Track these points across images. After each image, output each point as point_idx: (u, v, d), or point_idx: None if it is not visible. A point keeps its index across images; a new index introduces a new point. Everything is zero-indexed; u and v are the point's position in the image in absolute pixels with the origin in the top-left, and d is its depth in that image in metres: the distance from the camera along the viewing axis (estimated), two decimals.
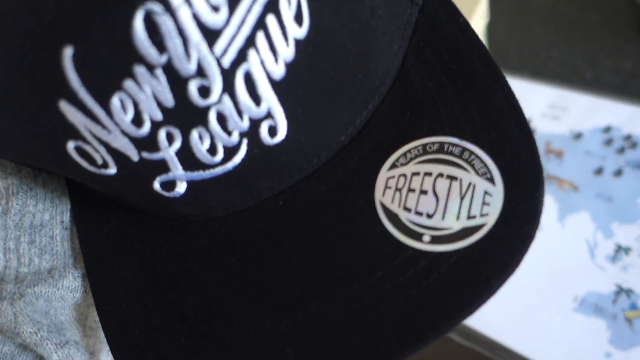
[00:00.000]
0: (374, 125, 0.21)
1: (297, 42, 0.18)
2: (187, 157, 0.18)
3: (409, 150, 0.20)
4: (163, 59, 0.16)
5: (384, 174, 0.20)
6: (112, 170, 0.19)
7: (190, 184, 0.20)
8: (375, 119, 0.21)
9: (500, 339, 0.38)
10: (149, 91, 0.16)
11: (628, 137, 0.48)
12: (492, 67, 0.21)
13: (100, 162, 0.19)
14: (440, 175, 0.19)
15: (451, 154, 0.20)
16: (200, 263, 0.21)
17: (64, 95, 0.16)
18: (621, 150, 0.47)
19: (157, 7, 0.15)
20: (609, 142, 0.48)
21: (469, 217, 0.18)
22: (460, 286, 0.17)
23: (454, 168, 0.19)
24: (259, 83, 0.17)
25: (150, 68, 0.16)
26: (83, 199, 0.25)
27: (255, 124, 0.18)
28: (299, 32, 0.18)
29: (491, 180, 0.19)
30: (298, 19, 0.18)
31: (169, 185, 0.20)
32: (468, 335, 0.39)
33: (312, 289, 0.19)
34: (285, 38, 0.17)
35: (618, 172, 0.46)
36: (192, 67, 0.16)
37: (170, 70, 0.16)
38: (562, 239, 0.42)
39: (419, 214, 0.19)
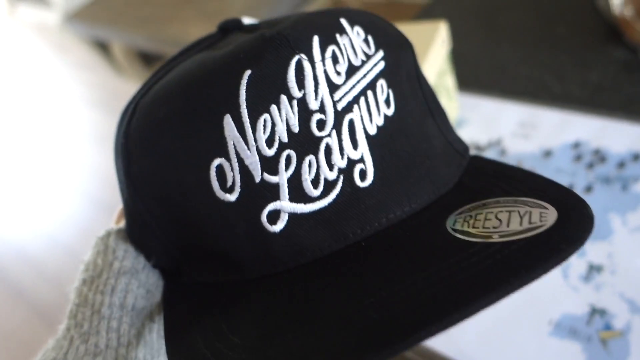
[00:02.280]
0: (440, 201, 0.26)
1: (386, 116, 0.25)
2: (295, 185, 0.23)
3: (472, 206, 0.25)
4: (300, 93, 0.23)
5: (452, 216, 0.24)
6: (235, 195, 0.24)
7: (291, 217, 0.23)
8: (440, 200, 0.26)
9: None
10: (284, 117, 0.23)
11: (597, 152, 0.48)
12: (530, 172, 0.26)
13: (229, 183, 0.23)
14: (500, 211, 0.23)
15: (507, 202, 0.24)
16: (285, 292, 0.23)
17: (230, 109, 0.23)
18: (590, 166, 0.47)
19: (305, 57, 0.24)
20: (578, 158, 0.48)
21: (530, 223, 0.21)
22: (533, 251, 0.20)
23: (511, 207, 0.23)
24: (358, 131, 0.24)
25: (290, 99, 0.23)
26: (175, 289, 0.28)
27: (351, 163, 0.24)
28: (387, 110, 0.26)
29: (544, 207, 0.22)
30: (387, 102, 0.26)
31: (274, 216, 0.24)
32: None
33: (393, 278, 0.21)
34: (378, 109, 0.25)
35: (588, 189, 0.46)
36: (317, 104, 0.23)
37: (302, 103, 0.23)
38: None
39: (486, 228, 0.22)
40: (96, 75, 2.24)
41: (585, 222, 0.21)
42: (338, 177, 0.24)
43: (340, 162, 0.24)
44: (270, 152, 0.23)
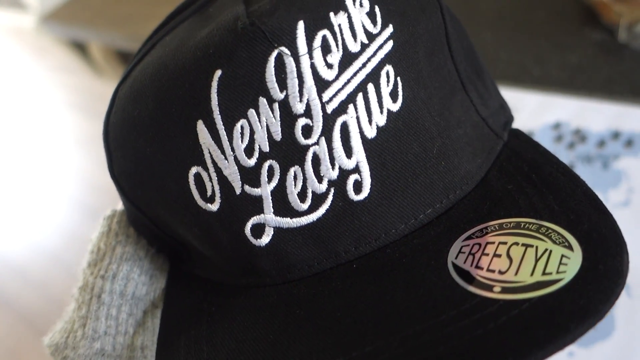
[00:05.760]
0: (452, 213, 0.22)
1: (390, 113, 0.21)
2: (279, 198, 0.21)
3: (486, 227, 0.21)
4: (282, 95, 0.20)
5: (458, 243, 0.21)
6: (216, 205, 0.21)
7: (277, 231, 0.21)
8: (454, 209, 0.22)
9: None
10: (264, 123, 0.20)
11: (577, 132, 0.49)
12: (571, 175, 0.22)
13: (209, 193, 0.21)
14: (516, 243, 0.19)
15: (528, 229, 0.20)
16: (266, 316, 0.22)
17: (202, 115, 0.20)
18: (571, 146, 0.48)
19: (286, 50, 0.19)
20: (559, 138, 0.49)
21: (544, 274, 0.17)
22: (532, 328, 0.16)
23: (530, 239, 0.19)
24: (352, 136, 0.20)
25: (271, 102, 0.20)
26: (177, 278, 0.27)
27: (343, 174, 0.21)
28: (392, 105, 0.21)
29: (569, 247, 0.18)
30: (393, 95, 0.21)
31: (258, 229, 0.21)
32: None
33: (371, 331, 0.19)
34: (380, 106, 0.21)
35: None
36: (302, 107, 0.20)
37: (284, 106, 0.20)
38: None
39: (491, 271, 0.19)
40: (75, 77, 2.20)
41: (613, 285, 0.16)
42: (328, 190, 0.21)
43: (330, 174, 0.21)
44: (250, 163, 0.21)
